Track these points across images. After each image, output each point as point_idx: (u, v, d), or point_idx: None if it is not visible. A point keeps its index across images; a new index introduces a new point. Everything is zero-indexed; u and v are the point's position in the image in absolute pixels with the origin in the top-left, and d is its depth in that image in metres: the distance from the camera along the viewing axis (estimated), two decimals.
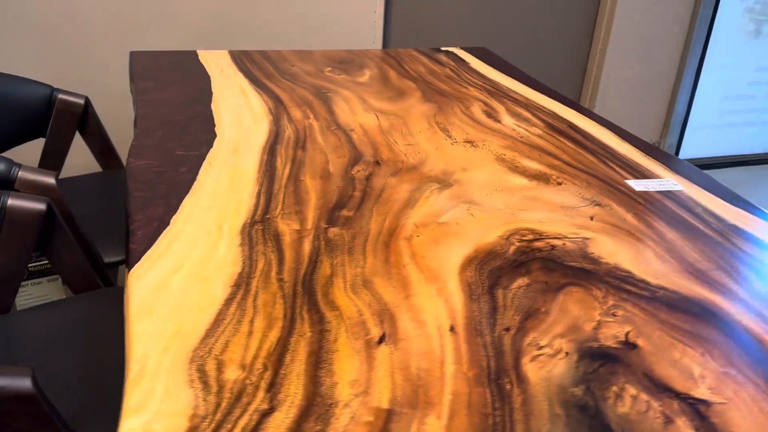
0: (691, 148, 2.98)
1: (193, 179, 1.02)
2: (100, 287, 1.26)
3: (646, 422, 0.60)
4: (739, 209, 1.03)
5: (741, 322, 0.76)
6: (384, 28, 2.25)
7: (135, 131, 1.21)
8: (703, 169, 2.40)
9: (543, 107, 1.45)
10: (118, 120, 2.16)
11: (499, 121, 1.35)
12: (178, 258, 0.81)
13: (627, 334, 0.72)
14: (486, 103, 1.45)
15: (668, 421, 0.61)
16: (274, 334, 0.69)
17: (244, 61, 1.67)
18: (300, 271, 0.80)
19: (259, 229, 0.89)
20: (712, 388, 0.65)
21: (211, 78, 1.52)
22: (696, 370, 0.68)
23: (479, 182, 1.07)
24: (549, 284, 0.80)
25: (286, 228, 0.89)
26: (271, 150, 1.14)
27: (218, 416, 0.58)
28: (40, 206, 1.13)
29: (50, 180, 1.23)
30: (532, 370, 0.66)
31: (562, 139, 1.27)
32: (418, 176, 1.08)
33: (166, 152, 1.11)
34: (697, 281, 0.83)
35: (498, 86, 1.59)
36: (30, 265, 1.55)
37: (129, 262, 0.80)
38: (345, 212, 0.95)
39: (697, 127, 2.92)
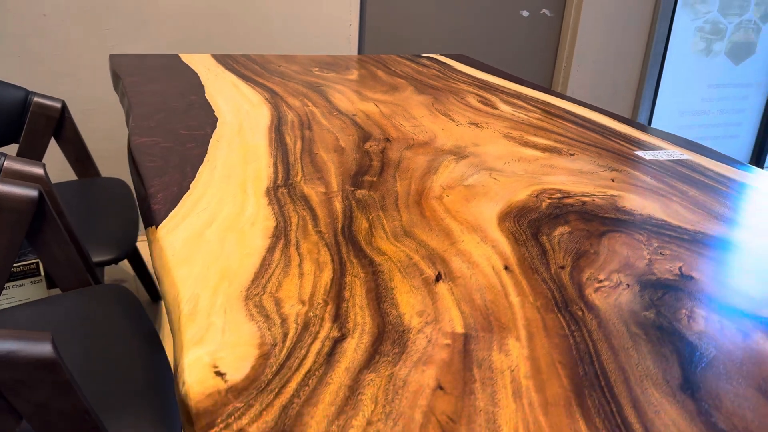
0: None
1: (204, 153, 0.98)
2: (91, 284, 1.19)
3: (727, 340, 0.59)
4: (744, 171, 1.05)
5: None
6: (359, 42, 2.26)
7: (130, 119, 1.16)
8: None
9: (536, 98, 1.47)
10: (93, 131, 2.08)
11: (497, 108, 1.36)
12: (208, 215, 0.77)
13: (680, 268, 0.72)
14: (479, 95, 1.46)
15: (747, 336, 0.59)
16: (326, 276, 0.65)
17: (228, 62, 1.64)
18: (337, 225, 0.77)
19: (284, 192, 0.85)
20: None
21: (200, 75, 1.48)
22: (757, 295, 0.67)
23: (494, 154, 1.06)
24: (590, 231, 0.79)
25: (312, 191, 0.86)
26: (277, 130, 1.11)
27: (288, 343, 0.54)
28: (32, 193, 1.06)
29: (39, 170, 1.16)
30: (598, 299, 0.64)
31: (562, 122, 1.28)
32: (432, 150, 1.06)
33: (169, 131, 1.06)
34: (728, 225, 0.83)
35: (486, 82, 1.61)
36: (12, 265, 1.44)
37: (153, 221, 0.75)
38: (368, 178, 0.92)
39: None
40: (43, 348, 0.68)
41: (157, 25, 2.01)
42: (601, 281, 0.68)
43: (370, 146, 1.06)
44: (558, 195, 0.90)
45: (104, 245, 1.32)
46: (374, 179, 0.92)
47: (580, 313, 0.61)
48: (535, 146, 1.12)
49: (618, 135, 1.21)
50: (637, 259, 0.73)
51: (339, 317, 0.58)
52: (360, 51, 2.29)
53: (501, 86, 1.57)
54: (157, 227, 0.73)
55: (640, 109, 2.84)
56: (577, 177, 0.98)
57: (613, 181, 0.97)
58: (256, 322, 0.56)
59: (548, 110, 1.36)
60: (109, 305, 1.12)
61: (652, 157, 1.09)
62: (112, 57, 1.61)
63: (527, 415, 0.48)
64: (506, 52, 2.61)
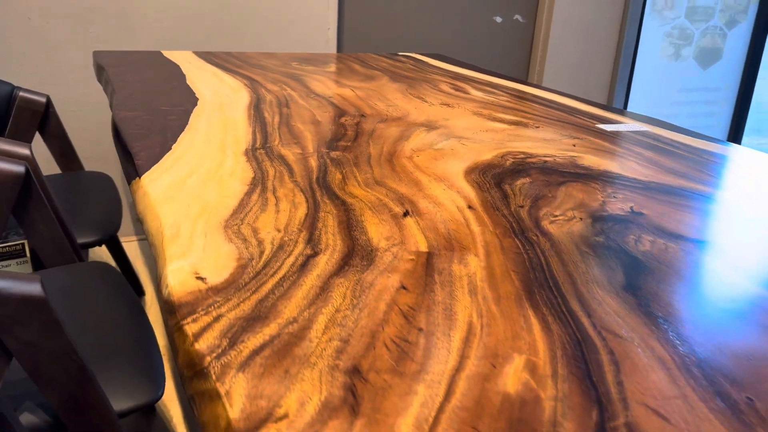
0: None
1: (185, 124, 1.02)
2: (75, 261, 1.22)
3: (669, 256, 0.64)
4: (698, 139, 1.11)
5: (727, 197, 0.82)
6: (337, 45, 2.32)
7: (113, 99, 1.20)
8: None
9: (506, 85, 1.53)
10: (78, 131, 2.11)
11: (468, 93, 1.42)
12: (189, 168, 0.81)
13: (631, 207, 0.77)
14: (452, 83, 1.52)
15: (688, 254, 0.65)
16: (301, 212, 0.70)
17: (210, 57, 1.69)
18: (312, 176, 0.81)
19: (262, 153, 0.90)
20: (719, 235, 0.70)
21: (181, 67, 1.53)
22: (700, 224, 0.72)
23: (463, 126, 1.11)
24: (550, 181, 0.85)
25: (288, 152, 0.91)
26: (256, 107, 1.16)
27: (264, 258, 0.58)
28: (19, 169, 1.10)
29: (25, 150, 1.20)
30: (552, 228, 0.69)
31: (529, 103, 1.34)
32: (405, 123, 1.11)
33: (152, 108, 1.11)
34: (681, 179, 0.89)
35: (460, 74, 1.67)
36: None
37: (137, 174, 0.80)
38: (342, 143, 0.97)
39: None
40: (32, 287, 0.71)
41: (140, 28, 2.06)
42: (556, 216, 0.73)
43: (346, 120, 1.11)
44: (522, 156, 0.96)
45: (88, 228, 1.35)
46: (348, 144, 0.97)
47: (534, 238, 0.66)
48: (502, 120, 1.17)
49: (582, 113, 1.28)
50: (592, 201, 0.78)
51: (312, 240, 0.63)
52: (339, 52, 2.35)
53: (473, 77, 1.64)
54: (140, 178, 0.78)
55: None
56: (540, 143, 1.03)
57: (574, 146, 1.03)
58: (235, 244, 0.61)
59: (517, 94, 1.43)
60: (95, 279, 1.15)
61: (612, 129, 1.16)
62: (95, 53, 1.66)
63: (481, 306, 0.52)
64: (481, 57, 2.69)
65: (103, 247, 2.04)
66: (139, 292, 1.95)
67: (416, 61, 1.86)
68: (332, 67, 1.65)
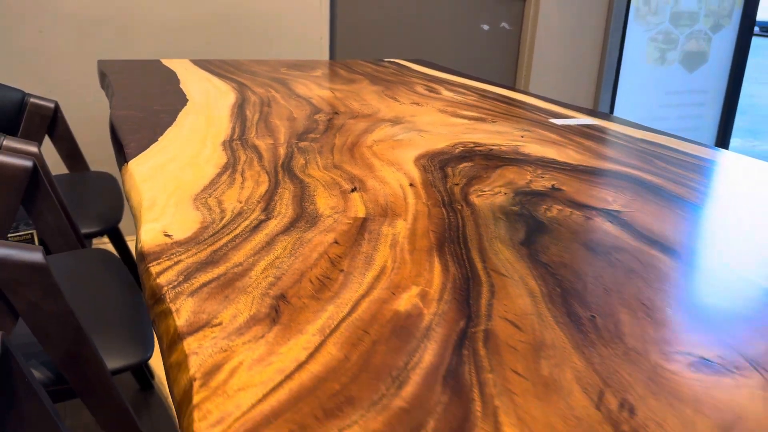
0: None
1: (173, 120, 1.14)
2: (79, 248, 1.34)
3: (572, 220, 0.75)
4: (642, 131, 1.22)
5: (644, 177, 0.93)
6: (329, 55, 2.45)
7: (112, 101, 1.33)
8: None
9: (477, 87, 1.65)
10: (83, 137, 2.25)
11: (439, 94, 1.53)
12: (171, 155, 0.93)
13: (553, 185, 0.88)
14: (427, 86, 1.64)
15: (589, 218, 0.76)
16: (262, 188, 0.81)
17: (205, 64, 1.82)
18: (278, 162, 0.93)
19: (237, 143, 1.02)
20: (623, 205, 0.81)
21: (177, 73, 1.66)
22: (610, 198, 0.83)
23: (426, 121, 1.23)
24: (489, 165, 0.96)
25: (261, 142, 1.03)
26: (239, 107, 1.28)
27: (224, 221, 0.70)
28: (27, 163, 1.23)
29: (34, 148, 1.33)
30: (477, 200, 0.81)
31: (494, 102, 1.45)
32: (373, 119, 1.23)
33: (145, 108, 1.24)
34: (609, 162, 1.00)
35: (436, 78, 1.79)
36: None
37: (126, 159, 0.92)
38: (312, 135, 1.09)
39: None
40: (35, 255, 0.84)
41: (142, 38, 2.20)
42: (484, 191, 0.84)
43: (319, 117, 1.23)
44: (472, 145, 1.07)
45: (91, 220, 1.48)
46: (317, 136, 1.09)
47: (459, 207, 0.78)
48: (464, 117, 1.29)
49: (540, 110, 1.39)
50: (520, 180, 0.90)
51: (267, 209, 0.74)
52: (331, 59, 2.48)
53: (449, 79, 1.75)
54: (128, 163, 0.90)
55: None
56: (492, 135, 1.15)
57: (522, 137, 1.14)
58: (201, 212, 0.73)
59: (484, 94, 1.54)
60: (95, 263, 1.27)
61: (563, 123, 1.27)
62: (100, 62, 1.79)
63: (396, 255, 0.64)
64: (469, 63, 2.81)
65: (108, 240, 2.17)
66: (138, 277, 2.08)
67: (399, 66, 1.98)
68: (318, 72, 1.77)
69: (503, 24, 2.78)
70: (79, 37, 2.14)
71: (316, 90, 1.51)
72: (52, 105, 1.75)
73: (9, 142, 1.31)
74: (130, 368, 0.97)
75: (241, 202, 0.76)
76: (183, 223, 0.69)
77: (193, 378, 0.43)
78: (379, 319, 0.52)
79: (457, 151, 1.03)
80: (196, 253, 0.62)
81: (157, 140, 1.01)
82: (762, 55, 12.27)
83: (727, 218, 0.79)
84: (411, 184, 0.86)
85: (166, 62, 1.84)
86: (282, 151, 0.99)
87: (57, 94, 2.18)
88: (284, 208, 0.75)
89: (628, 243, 0.69)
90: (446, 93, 1.54)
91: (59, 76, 2.14)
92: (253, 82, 1.57)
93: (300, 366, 0.45)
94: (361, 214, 0.74)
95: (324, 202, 0.78)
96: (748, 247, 0.70)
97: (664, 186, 0.90)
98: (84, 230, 1.46)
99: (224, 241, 0.65)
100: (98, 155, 2.28)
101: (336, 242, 0.66)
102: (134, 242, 2.23)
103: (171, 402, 1.54)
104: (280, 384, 0.43)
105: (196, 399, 0.41)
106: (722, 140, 3.48)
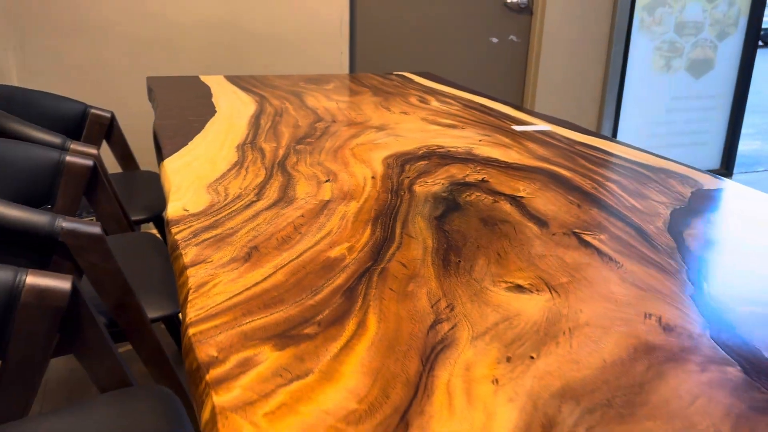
0: None
1: (202, 128, 1.44)
2: (129, 231, 1.66)
3: (482, 203, 1.01)
4: (584, 135, 1.46)
5: (558, 171, 1.17)
6: (349, 68, 2.73)
7: (156, 112, 1.64)
8: None
9: (465, 98, 1.90)
10: (134, 135, 2.59)
11: (428, 104, 1.80)
12: (195, 155, 1.22)
13: (483, 177, 1.14)
14: (420, 97, 1.91)
15: (495, 201, 1.02)
16: (259, 179, 1.10)
17: (236, 80, 2.13)
18: (276, 160, 1.21)
19: (248, 146, 1.30)
20: (528, 193, 1.06)
21: (210, 87, 1.97)
22: (522, 187, 1.09)
23: (406, 128, 1.50)
24: (441, 163, 1.22)
25: (267, 146, 1.31)
26: (256, 117, 1.58)
27: (226, 201, 0.98)
28: (89, 162, 1.54)
29: (94, 150, 1.65)
30: (417, 188, 1.07)
31: (473, 111, 1.71)
32: (363, 126, 1.51)
33: (181, 117, 1.54)
34: (539, 161, 1.25)
35: (433, 90, 2.05)
36: None
37: (162, 158, 1.21)
38: (309, 140, 1.37)
39: None
40: (95, 228, 1.14)
41: (186, 57, 2.52)
42: (426, 182, 1.11)
43: (319, 125, 1.51)
44: (435, 148, 1.34)
45: (140, 209, 1.79)
46: (313, 141, 1.37)
47: (402, 193, 1.05)
48: (440, 124, 1.55)
49: (509, 118, 1.64)
50: (459, 174, 1.16)
51: (259, 194, 1.02)
52: (351, 72, 2.77)
53: (444, 91, 2.02)
54: (164, 161, 1.19)
55: (603, 121, 3.24)
56: (457, 139, 1.41)
57: (480, 141, 1.40)
58: (210, 195, 1.01)
59: (468, 105, 1.80)
60: (142, 243, 1.58)
61: (522, 129, 1.52)
62: (148, 78, 2.12)
63: (342, 223, 0.91)
64: (479, 75, 3.05)
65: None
66: None
67: (404, 79, 2.25)
68: (330, 85, 2.06)
69: (511, 37, 3.02)
70: (132, 56, 2.48)
71: (324, 101, 1.79)
72: (108, 115, 2.08)
73: (74, 146, 1.63)
74: (165, 318, 1.27)
75: (241, 189, 1.04)
76: (197, 202, 0.98)
77: (190, 288, 0.72)
78: (315, 261, 0.79)
79: (420, 152, 1.30)
80: (202, 221, 0.90)
81: (186, 144, 1.31)
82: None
83: (603, 200, 1.03)
84: (372, 177, 1.13)
85: (203, 78, 2.15)
86: (281, 152, 1.27)
87: (113, 105, 2.53)
88: (271, 193, 1.03)
89: (513, 218, 0.95)
90: (434, 103, 1.81)
91: (115, 90, 2.49)
92: (272, 95, 1.87)
93: (256, 284, 0.73)
94: (327, 197, 1.02)
95: (302, 189, 1.05)
96: (592, 218, 0.95)
97: (572, 179, 1.15)
98: (134, 217, 1.77)
99: (224, 214, 0.93)
100: (147, 157, 2.62)
101: (302, 216, 0.94)
102: None
103: None
104: (240, 292, 0.71)
105: (190, 298, 0.69)
106: (731, 143, 3.63)
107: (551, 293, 0.73)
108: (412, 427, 0.50)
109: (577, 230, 0.91)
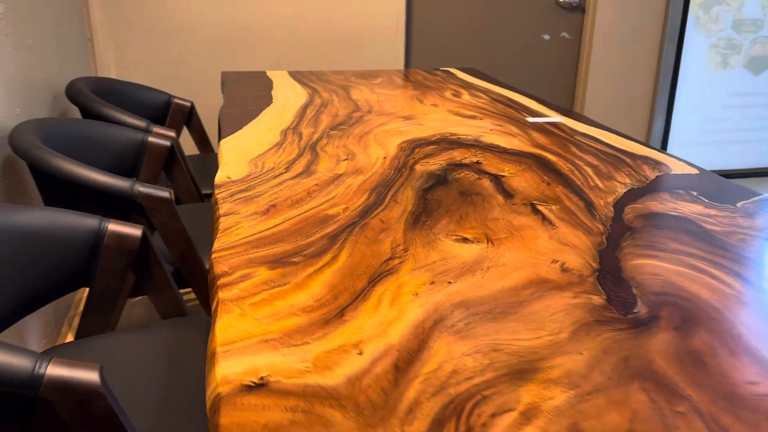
0: None
1: (257, 115, 1.72)
2: (200, 202, 1.96)
3: (467, 179, 1.22)
4: (591, 126, 1.63)
5: (546, 156, 1.36)
6: (404, 64, 2.96)
7: (224, 102, 1.93)
8: None
9: (495, 92, 2.10)
10: (210, 122, 2.93)
11: (460, 97, 2.01)
12: (246, 138, 1.50)
13: (478, 160, 1.35)
14: (455, 91, 2.12)
15: (479, 179, 1.23)
16: (292, 156, 1.35)
17: (297, 75, 2.41)
18: (311, 142, 1.47)
19: (291, 131, 1.57)
20: (510, 173, 1.27)
21: (274, 81, 2.25)
22: (507, 169, 1.29)
23: (431, 118, 1.72)
24: (447, 148, 1.44)
25: (306, 131, 1.57)
26: (304, 107, 1.84)
27: (262, 171, 1.24)
28: (167, 143, 1.85)
29: (172, 133, 1.96)
30: (418, 167, 1.30)
31: (496, 104, 1.91)
32: (394, 116, 1.74)
33: (243, 107, 1.82)
34: (536, 148, 1.44)
35: (470, 84, 2.25)
36: None
37: (220, 139, 1.49)
38: (342, 127, 1.62)
39: (679, 144, 3.46)
40: (165, 193, 1.43)
41: (258, 53, 2.83)
42: (428, 163, 1.33)
43: (356, 114, 1.76)
44: (448, 135, 1.55)
45: (211, 184, 2.10)
46: (345, 127, 1.61)
47: (405, 171, 1.27)
48: (461, 115, 1.76)
49: (527, 109, 1.83)
50: (460, 157, 1.37)
51: (288, 168, 1.28)
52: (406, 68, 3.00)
53: (478, 85, 2.21)
54: (220, 141, 1.47)
55: (654, 120, 3.32)
56: (470, 129, 1.62)
57: (491, 130, 1.60)
58: (250, 167, 1.28)
59: (495, 98, 1.99)
60: (207, 211, 1.88)
61: (534, 120, 1.70)
62: (222, 73, 2.43)
63: (346, 192, 1.15)
64: (531, 71, 3.20)
65: None
66: None
67: (448, 74, 2.46)
68: (378, 80, 2.30)
69: (563, 34, 3.15)
70: (209, 53, 2.82)
71: (367, 94, 2.04)
72: (188, 104, 2.41)
73: (156, 129, 1.95)
74: None
75: (275, 164, 1.30)
76: (238, 172, 1.24)
77: (219, 230, 0.98)
78: (316, 216, 1.04)
79: (434, 138, 1.52)
80: (239, 186, 1.17)
81: (241, 128, 1.58)
82: None
83: (572, 180, 1.22)
84: (384, 157, 1.36)
85: (269, 73, 2.44)
86: (316, 136, 1.52)
87: (193, 96, 2.87)
88: (298, 168, 1.28)
89: (488, 191, 1.16)
90: (466, 97, 2.01)
91: (195, 83, 2.83)
92: (323, 88, 2.13)
93: (267, 229, 0.98)
94: (341, 171, 1.26)
95: (324, 165, 1.30)
96: (554, 193, 1.14)
97: (555, 162, 1.34)
98: (205, 191, 2.08)
99: (257, 181, 1.20)
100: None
101: (317, 185, 1.19)
102: None
103: None
104: (254, 234, 0.96)
105: (218, 236, 0.95)
106: None
107: (488, 244, 0.94)
108: (344, 317, 0.74)
109: (535, 201, 1.11)
